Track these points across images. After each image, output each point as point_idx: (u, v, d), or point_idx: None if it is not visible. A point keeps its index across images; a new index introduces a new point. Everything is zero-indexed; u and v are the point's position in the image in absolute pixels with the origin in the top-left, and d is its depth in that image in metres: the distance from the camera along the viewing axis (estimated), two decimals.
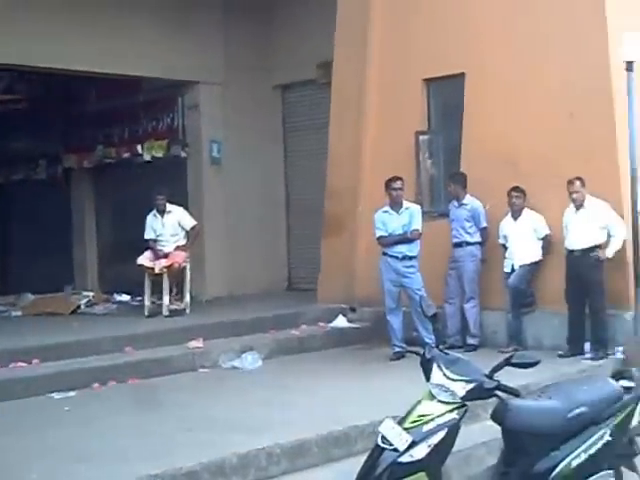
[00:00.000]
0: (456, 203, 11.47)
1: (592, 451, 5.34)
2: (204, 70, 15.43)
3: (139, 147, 16.42)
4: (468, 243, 11.30)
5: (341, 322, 12.41)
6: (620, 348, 10.22)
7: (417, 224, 10.89)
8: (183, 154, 15.91)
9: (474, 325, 11.25)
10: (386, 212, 11.03)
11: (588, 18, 10.97)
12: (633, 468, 5.69)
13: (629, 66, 10.13)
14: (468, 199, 11.39)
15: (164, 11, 14.71)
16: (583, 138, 10.85)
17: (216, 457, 6.65)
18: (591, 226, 10.35)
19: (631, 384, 5.70)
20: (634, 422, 5.61)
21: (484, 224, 11.34)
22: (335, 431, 7.35)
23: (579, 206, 10.47)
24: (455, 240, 11.37)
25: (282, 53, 15.58)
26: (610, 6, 10.82)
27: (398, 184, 10.98)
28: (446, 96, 12.65)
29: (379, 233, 10.98)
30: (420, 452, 5.02)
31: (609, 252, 10.35)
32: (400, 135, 12.59)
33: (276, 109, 16.29)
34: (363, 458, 5.28)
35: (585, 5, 11.06)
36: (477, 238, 11.34)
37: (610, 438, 5.39)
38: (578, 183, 10.40)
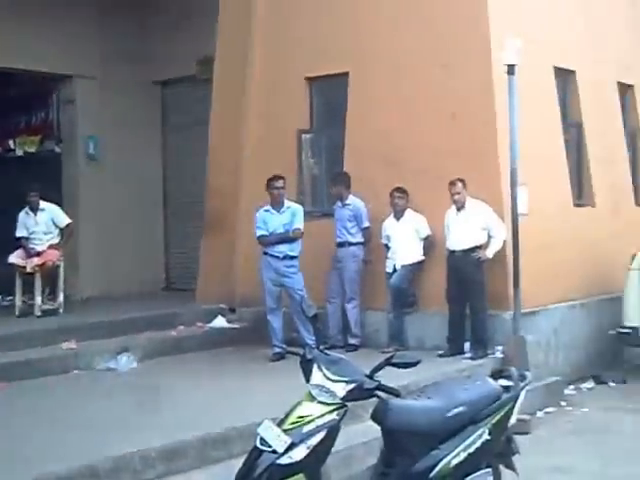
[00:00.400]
0: (340, 203, 11.44)
1: (471, 450, 5.36)
2: (80, 64, 15.05)
3: (11, 142, 15.91)
4: (350, 243, 11.29)
5: (220, 322, 12.23)
6: (499, 347, 10.35)
7: (299, 223, 10.81)
8: (57, 150, 15.51)
9: (355, 325, 11.24)
10: (267, 211, 10.92)
11: (471, 21, 11.10)
12: (511, 466, 5.74)
13: (510, 69, 10.25)
14: (351, 199, 11.38)
15: (39, 3, 14.24)
16: (465, 140, 10.95)
17: (89, 461, 6.42)
18: (472, 227, 10.47)
19: (510, 383, 5.74)
20: (512, 421, 5.66)
21: (366, 224, 11.34)
22: (213, 433, 7.20)
23: (460, 207, 10.57)
24: (338, 240, 11.35)
25: (161, 48, 15.25)
26: (492, 10, 10.97)
27: (279, 183, 10.88)
28: (329, 95, 12.62)
29: (260, 232, 10.85)
30: (299, 453, 4.95)
31: (489, 253, 10.48)
32: (282, 134, 12.50)
33: (155, 105, 16.03)
34: (241, 460, 5.16)
35: (468, 8, 11.17)
36: (359, 238, 11.33)
37: (489, 437, 5.42)
38: (460, 184, 10.51)
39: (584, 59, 12.80)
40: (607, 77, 13.47)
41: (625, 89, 14.12)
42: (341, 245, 11.33)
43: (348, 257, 11.26)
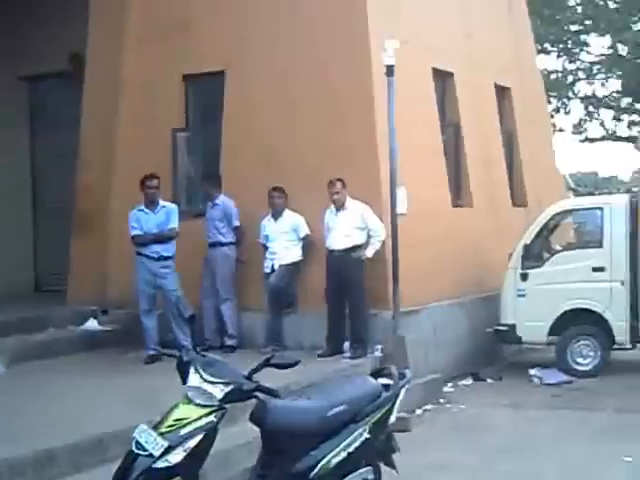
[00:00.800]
0: (210, 203, 11.35)
1: (351, 449, 5.38)
2: None
3: None
4: (221, 243, 11.20)
5: (92, 325, 11.89)
6: (379, 346, 10.36)
7: (174, 223, 10.63)
8: None
9: (231, 326, 11.12)
10: (141, 211, 10.70)
11: (350, 23, 11.11)
12: (391, 464, 5.79)
13: (389, 71, 10.29)
14: (221, 199, 11.29)
15: None
16: (345, 140, 10.96)
17: None
18: (351, 227, 10.48)
19: (390, 382, 5.77)
20: (392, 419, 5.69)
21: (237, 223, 11.26)
22: (86, 438, 6.98)
23: (340, 207, 10.57)
24: (209, 240, 11.25)
25: (29, 43, 14.67)
26: (371, 12, 11.00)
27: (154, 182, 10.68)
28: (206, 94, 12.44)
29: (134, 232, 10.63)
30: (176, 457, 4.92)
31: (369, 252, 10.50)
32: (157, 132, 12.24)
33: (22, 102, 15.45)
34: (116, 465, 5.08)
35: (348, 10, 11.16)
36: (231, 238, 11.24)
37: (369, 435, 5.45)
38: (339, 184, 10.51)
39: (462, 61, 12.98)
40: (485, 79, 13.72)
41: (502, 91, 14.41)
42: (212, 245, 11.22)
43: (220, 257, 11.16)
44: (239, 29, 11.75)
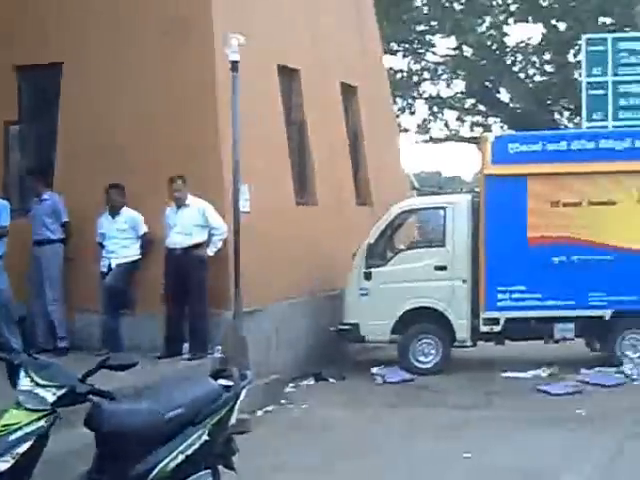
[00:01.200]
0: (37, 199, 11.00)
1: (189, 452, 5.27)
2: None
3: None
4: (50, 240, 10.86)
5: None
6: (219, 347, 10.23)
7: (4, 220, 10.19)
8: None
9: (60, 327, 10.75)
10: None
11: (194, 17, 10.95)
12: (231, 466, 5.69)
13: (233, 66, 10.20)
14: (49, 194, 10.98)
15: None
16: (187, 136, 10.79)
17: None
18: (192, 225, 10.35)
19: (230, 383, 5.68)
20: (232, 420, 5.60)
21: (65, 219, 10.96)
22: None
23: (181, 204, 10.42)
24: (36, 238, 10.88)
25: None
26: (215, 7, 10.88)
27: None
28: (42, 85, 11.98)
29: None
30: (3, 464, 4.74)
31: (210, 251, 10.39)
32: None
33: None
34: None
35: (191, 3, 11.00)
36: (60, 235, 10.93)
37: (208, 438, 5.35)
38: (180, 181, 10.38)
39: (308, 59, 12.99)
40: (331, 77, 13.79)
41: (348, 90, 14.49)
42: (40, 243, 10.86)
43: (49, 255, 10.82)
44: (78, 20, 11.38)
